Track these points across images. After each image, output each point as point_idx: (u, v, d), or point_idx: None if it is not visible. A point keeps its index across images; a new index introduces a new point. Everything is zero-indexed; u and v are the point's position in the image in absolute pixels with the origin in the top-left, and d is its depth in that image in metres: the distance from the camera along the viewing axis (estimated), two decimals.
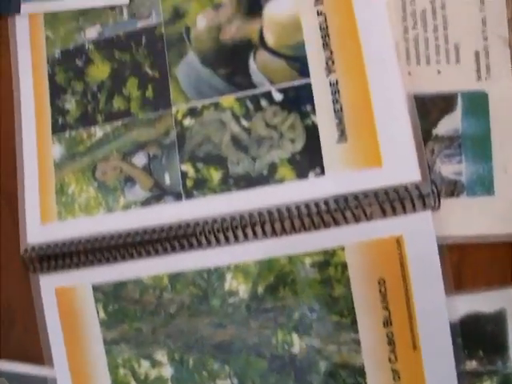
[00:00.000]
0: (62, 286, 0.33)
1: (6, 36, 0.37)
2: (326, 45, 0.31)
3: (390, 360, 0.28)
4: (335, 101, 0.30)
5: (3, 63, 0.37)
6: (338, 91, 0.30)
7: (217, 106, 0.32)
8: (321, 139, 0.30)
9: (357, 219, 0.28)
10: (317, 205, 0.29)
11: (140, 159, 0.33)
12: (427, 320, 0.27)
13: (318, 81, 0.31)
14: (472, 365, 0.27)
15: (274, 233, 0.29)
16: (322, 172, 0.30)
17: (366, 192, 0.29)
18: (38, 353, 0.33)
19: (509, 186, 0.29)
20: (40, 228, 0.34)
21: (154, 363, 0.32)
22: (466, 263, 0.28)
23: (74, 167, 0.34)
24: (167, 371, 0.32)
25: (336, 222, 0.29)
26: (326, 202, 0.29)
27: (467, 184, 0.30)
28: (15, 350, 0.34)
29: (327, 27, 0.31)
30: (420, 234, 0.27)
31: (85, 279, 0.32)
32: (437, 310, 0.27)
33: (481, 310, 0.27)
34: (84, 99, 0.35)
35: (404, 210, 0.28)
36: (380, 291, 0.28)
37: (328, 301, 0.29)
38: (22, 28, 0.36)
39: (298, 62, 0.31)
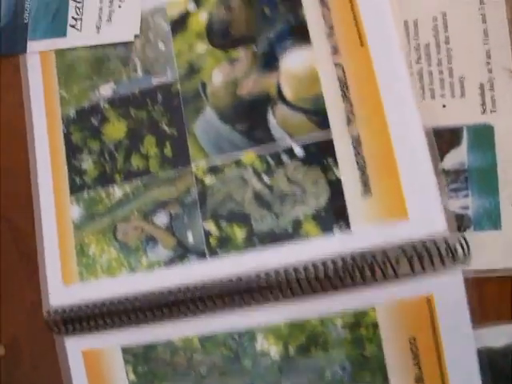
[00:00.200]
0: (89, 349, 0.40)
1: (19, 97, 0.45)
2: (345, 96, 0.38)
3: None
4: (357, 154, 0.37)
5: (18, 124, 0.44)
6: (360, 144, 0.37)
7: (238, 162, 0.39)
8: (345, 193, 0.37)
9: (385, 276, 0.34)
10: (343, 260, 0.35)
11: (161, 218, 0.40)
12: (458, 375, 0.33)
13: (339, 134, 0.38)
14: None
15: (302, 292, 0.35)
16: (348, 227, 0.36)
17: (393, 246, 0.35)
18: None
19: None
20: (62, 290, 0.41)
21: None
22: (474, 298, 0.35)
23: (94, 228, 0.41)
24: None
25: (364, 279, 0.35)
26: (353, 258, 0.35)
27: (474, 218, 0.36)
28: None
29: (345, 78, 0.38)
30: (451, 292, 0.34)
31: (113, 341, 0.39)
32: (467, 362, 0.33)
33: (490, 345, 0.33)
34: (101, 158, 0.42)
35: (433, 266, 0.34)
36: (411, 350, 0.34)
37: (360, 360, 0.35)
38: (36, 91, 0.45)
39: (317, 115, 0.38)
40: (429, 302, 0.35)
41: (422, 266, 0.35)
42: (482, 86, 0.38)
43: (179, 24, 0.43)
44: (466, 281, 0.35)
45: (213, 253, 0.39)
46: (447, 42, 0.39)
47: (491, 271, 0.35)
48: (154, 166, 0.41)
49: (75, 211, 0.42)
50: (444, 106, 0.38)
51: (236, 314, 0.38)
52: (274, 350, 0.37)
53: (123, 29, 0.46)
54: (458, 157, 0.37)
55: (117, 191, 0.42)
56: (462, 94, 0.38)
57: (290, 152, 0.39)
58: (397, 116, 0.37)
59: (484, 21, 0.40)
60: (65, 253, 0.42)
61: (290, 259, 0.37)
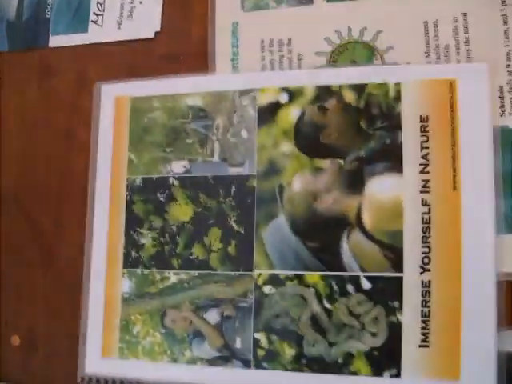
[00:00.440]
0: None
1: (87, 147, 0.55)
2: (425, 239, 0.47)
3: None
4: (424, 303, 0.46)
5: (79, 174, 0.54)
6: (429, 293, 0.46)
7: (301, 279, 0.49)
8: (402, 339, 0.47)
9: None
10: None
11: (213, 316, 0.50)
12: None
13: (411, 278, 0.47)
14: None
15: None
16: (398, 374, 0.47)
17: None
18: None
19: None
20: (100, 361, 0.53)
21: None
22: (504, 301, 0.46)
23: (143, 308, 0.52)
24: None
25: None
26: None
27: (507, 220, 0.47)
28: None
29: (429, 220, 0.47)
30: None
31: None
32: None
33: None
34: (161, 238, 0.52)
35: None
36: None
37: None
38: (106, 143, 0.56)
39: (393, 252, 0.47)
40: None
41: None
42: (501, 89, 0.49)
43: (267, 114, 0.52)
44: (498, 284, 0.47)
45: (258, 364, 0.50)
46: (467, 43, 0.51)
47: (509, 275, 0.47)
48: (215, 261, 0.51)
49: (126, 285, 0.53)
50: None
51: None
52: None
53: (144, 25, 0.59)
54: None
55: (172, 276, 0.52)
56: None
57: (356, 283, 0.48)
58: (472, 271, 0.47)
59: (505, 22, 0.51)
60: (108, 324, 0.54)
61: None
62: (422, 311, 0.47)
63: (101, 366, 0.54)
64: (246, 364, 0.50)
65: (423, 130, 0.49)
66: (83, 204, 0.56)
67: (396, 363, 0.47)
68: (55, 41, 0.61)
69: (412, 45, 0.51)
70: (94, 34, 0.60)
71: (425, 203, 0.48)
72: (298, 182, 0.51)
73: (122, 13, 0.59)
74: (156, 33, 0.58)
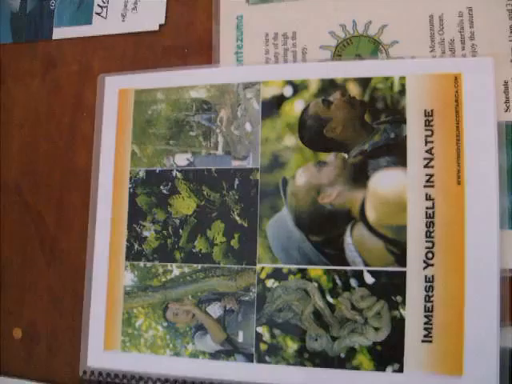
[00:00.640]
0: None
1: (90, 140, 0.56)
2: (428, 234, 0.46)
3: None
4: (427, 298, 0.46)
5: (82, 167, 0.54)
6: (433, 288, 0.45)
7: (304, 273, 0.48)
8: (405, 334, 0.47)
9: None
10: None
11: (215, 310, 0.50)
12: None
13: (414, 273, 0.47)
14: None
15: None
16: (401, 369, 0.47)
17: None
18: None
19: None
20: (102, 354, 0.53)
21: None
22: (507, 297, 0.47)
23: (145, 301, 0.52)
24: None
25: None
26: None
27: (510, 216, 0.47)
28: None
29: (433, 215, 0.46)
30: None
31: None
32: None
33: None
34: (164, 231, 0.52)
35: None
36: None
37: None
38: (109, 135, 0.55)
39: (396, 246, 0.47)
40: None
41: None
42: (506, 84, 0.49)
43: (271, 107, 0.51)
44: (502, 279, 0.46)
45: (261, 358, 0.49)
46: (472, 37, 0.50)
47: None
48: (218, 254, 0.51)
49: (128, 278, 0.53)
50: None
51: None
52: None
53: (148, 18, 0.59)
54: None
55: (175, 269, 0.52)
56: None
57: (359, 277, 0.48)
58: (476, 267, 0.46)
59: (511, 17, 0.51)
60: (111, 318, 0.53)
61: None
62: (425, 306, 0.47)
63: (103, 360, 0.53)
64: (249, 358, 0.50)
65: (428, 124, 0.48)
66: (86, 196, 0.56)
67: (399, 358, 0.47)
68: (59, 33, 0.61)
69: (417, 39, 0.51)
70: (98, 26, 0.59)
71: (429, 198, 0.48)
72: (301, 176, 0.50)
73: (126, 5, 0.59)
74: (160, 25, 0.57)
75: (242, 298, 0.51)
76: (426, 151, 0.48)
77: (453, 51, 0.50)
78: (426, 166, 0.48)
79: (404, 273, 0.47)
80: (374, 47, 0.52)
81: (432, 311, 0.47)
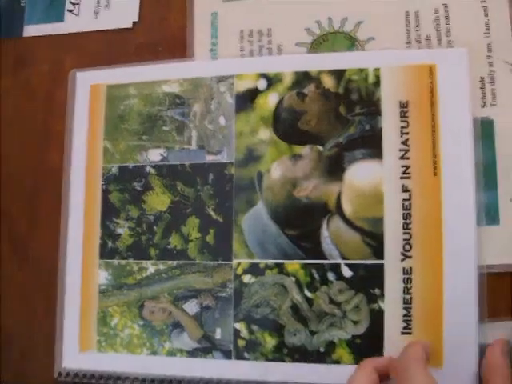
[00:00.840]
0: None
1: (62, 138, 0.54)
2: (405, 226, 0.45)
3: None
4: (406, 290, 0.45)
5: (54, 166, 0.53)
6: (411, 280, 0.44)
7: (281, 268, 0.47)
8: (385, 327, 0.46)
9: None
10: None
11: (192, 307, 0.48)
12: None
13: (392, 265, 0.46)
14: None
15: None
16: None
17: None
18: None
19: None
20: (77, 355, 0.52)
21: None
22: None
23: (120, 299, 0.50)
24: None
25: None
26: None
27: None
28: None
29: (410, 207, 0.45)
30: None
31: None
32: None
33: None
34: (138, 228, 0.50)
35: None
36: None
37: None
38: (81, 132, 0.54)
39: (373, 239, 0.46)
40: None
41: None
42: (482, 80, 0.49)
43: (245, 100, 0.50)
44: (480, 276, 0.45)
45: (239, 354, 0.48)
46: (448, 34, 0.50)
47: (489, 266, 0.46)
48: (193, 250, 0.49)
49: (102, 277, 0.51)
50: None
51: None
52: None
53: (121, 15, 0.57)
54: None
55: (150, 267, 0.50)
56: None
57: (337, 271, 0.47)
58: (453, 259, 0.46)
59: (486, 14, 0.50)
60: (85, 318, 0.52)
61: (317, 380, 0.46)
62: (403, 298, 0.46)
63: (79, 361, 0.51)
64: (227, 355, 0.49)
65: (403, 116, 0.47)
66: (58, 195, 0.54)
67: (378, 351, 0.46)
68: (30, 30, 0.58)
69: (393, 35, 0.50)
70: (71, 24, 0.57)
71: (405, 189, 0.47)
72: (276, 170, 0.49)
73: (99, 2, 0.57)
74: (134, 23, 0.56)
75: (218, 295, 0.49)
76: (402, 143, 0.47)
77: (429, 47, 0.49)
78: (401, 158, 0.47)
79: (382, 265, 0.46)
80: (349, 44, 0.51)
81: (411, 303, 0.46)
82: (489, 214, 0.46)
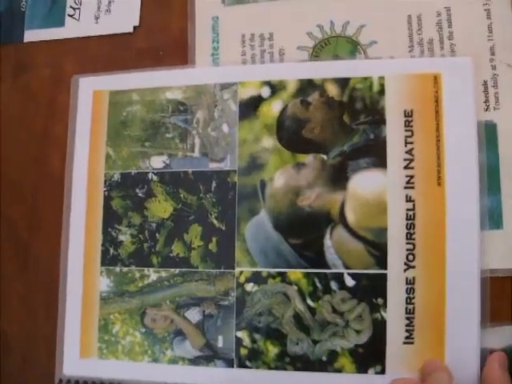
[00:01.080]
0: None
1: (63, 144, 0.53)
2: (409, 236, 0.45)
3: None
4: (408, 300, 0.44)
5: (55, 172, 0.52)
6: (414, 290, 0.44)
7: (283, 277, 0.47)
8: (387, 336, 0.45)
9: None
10: None
11: (194, 315, 0.48)
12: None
13: (395, 275, 0.45)
14: None
15: None
16: (383, 371, 0.45)
17: None
18: None
19: None
20: (78, 362, 0.51)
21: None
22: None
23: (122, 306, 0.49)
24: None
25: None
26: None
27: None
28: None
29: (414, 217, 0.45)
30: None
31: None
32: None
33: (491, 347, 0.44)
34: (141, 235, 0.49)
35: None
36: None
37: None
38: (83, 138, 0.52)
39: (377, 248, 0.45)
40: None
41: None
42: (485, 83, 0.48)
43: (249, 108, 0.49)
44: (482, 280, 0.44)
45: (241, 363, 0.47)
46: (451, 37, 0.49)
47: (493, 271, 0.46)
48: (196, 258, 0.48)
49: (104, 284, 0.50)
50: None
51: None
52: None
53: (122, 19, 0.56)
54: None
55: (152, 274, 0.49)
56: None
57: (339, 280, 0.46)
58: (456, 268, 0.45)
59: (489, 17, 0.50)
60: (87, 324, 0.51)
61: None
62: (406, 308, 0.45)
63: (79, 367, 0.50)
64: (229, 363, 0.48)
65: (407, 125, 0.47)
66: (60, 201, 0.53)
67: (381, 360, 0.45)
68: (30, 35, 0.57)
69: (395, 39, 0.49)
70: (71, 29, 0.56)
71: (409, 199, 0.46)
72: (280, 178, 0.48)
73: (99, 7, 0.56)
74: (135, 27, 0.55)
75: (221, 303, 0.48)
76: (406, 152, 0.46)
77: (432, 51, 0.48)
78: (405, 167, 0.46)
79: (385, 275, 0.46)
80: (351, 47, 0.50)
81: (413, 313, 0.45)
82: (492, 218, 0.46)
